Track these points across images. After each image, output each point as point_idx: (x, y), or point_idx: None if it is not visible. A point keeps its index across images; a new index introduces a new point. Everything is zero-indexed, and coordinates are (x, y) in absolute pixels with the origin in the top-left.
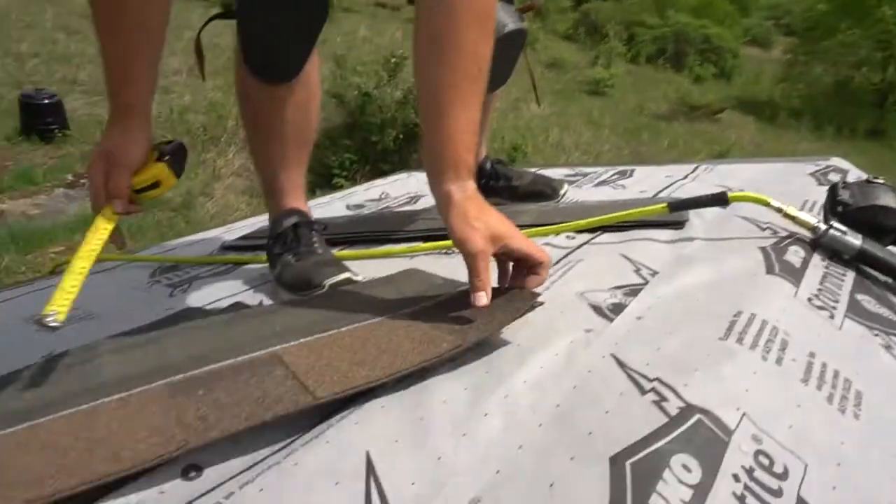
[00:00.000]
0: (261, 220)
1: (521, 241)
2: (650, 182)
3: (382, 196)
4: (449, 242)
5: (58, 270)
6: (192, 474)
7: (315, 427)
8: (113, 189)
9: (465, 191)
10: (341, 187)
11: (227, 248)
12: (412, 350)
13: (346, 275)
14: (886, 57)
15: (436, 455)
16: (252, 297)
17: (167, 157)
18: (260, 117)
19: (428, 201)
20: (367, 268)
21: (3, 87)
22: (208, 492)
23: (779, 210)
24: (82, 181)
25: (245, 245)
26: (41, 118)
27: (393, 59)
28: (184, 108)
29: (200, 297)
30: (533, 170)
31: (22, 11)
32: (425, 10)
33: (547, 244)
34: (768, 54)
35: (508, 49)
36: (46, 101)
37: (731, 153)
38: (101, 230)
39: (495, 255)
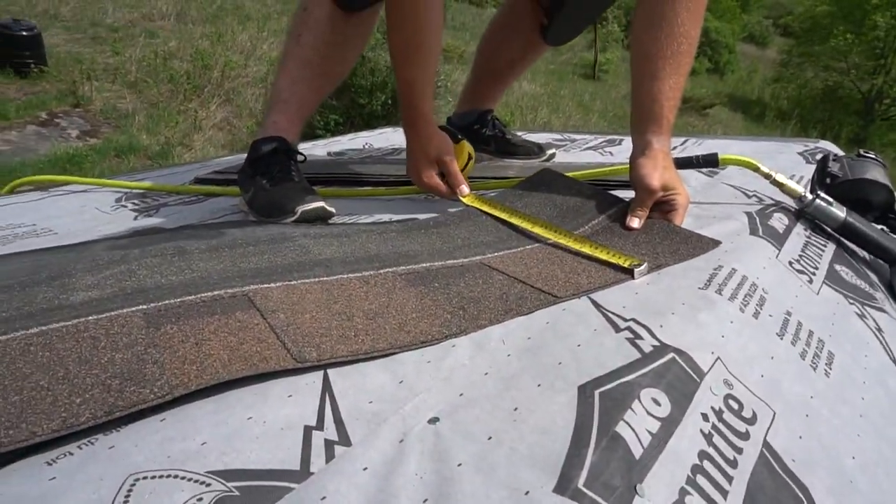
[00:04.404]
0: (239, 159)
1: (684, 197)
2: None
3: (366, 146)
4: None
5: (16, 191)
6: None
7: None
8: (455, 180)
9: (662, 143)
10: None
11: (200, 180)
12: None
13: (319, 203)
14: (877, 66)
15: (397, 379)
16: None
17: (461, 137)
18: (309, 32)
19: None
20: (340, 205)
21: None
22: None
23: (767, 176)
24: (56, 120)
25: (219, 179)
26: (18, 51)
27: None
28: (169, 53)
29: (165, 223)
30: (523, 133)
31: None
32: None
33: None
34: (763, 53)
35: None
36: (25, 34)
37: None
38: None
39: (657, 201)
